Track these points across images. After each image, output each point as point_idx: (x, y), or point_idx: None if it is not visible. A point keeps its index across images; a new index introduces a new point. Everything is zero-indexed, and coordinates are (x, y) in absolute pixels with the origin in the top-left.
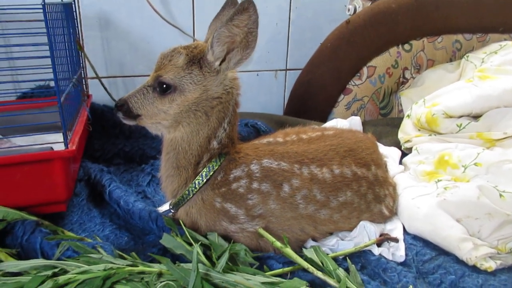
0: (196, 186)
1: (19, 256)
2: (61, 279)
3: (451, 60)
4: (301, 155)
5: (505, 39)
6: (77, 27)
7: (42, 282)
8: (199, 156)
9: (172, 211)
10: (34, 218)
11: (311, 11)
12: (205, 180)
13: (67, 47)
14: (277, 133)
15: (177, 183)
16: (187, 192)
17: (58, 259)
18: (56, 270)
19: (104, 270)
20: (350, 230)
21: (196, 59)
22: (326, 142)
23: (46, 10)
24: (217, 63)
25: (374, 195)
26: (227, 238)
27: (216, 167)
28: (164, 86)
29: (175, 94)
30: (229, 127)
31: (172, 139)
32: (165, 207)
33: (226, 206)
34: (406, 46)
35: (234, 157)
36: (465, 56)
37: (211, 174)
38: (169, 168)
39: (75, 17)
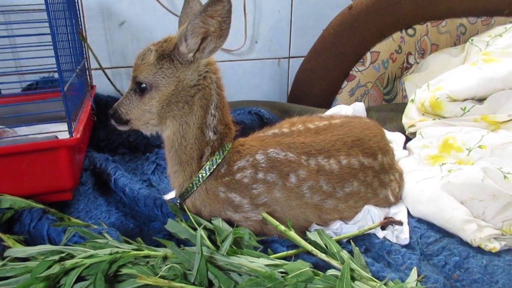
0: (200, 180)
1: (27, 243)
2: (68, 263)
3: (455, 44)
4: (308, 146)
5: (511, 22)
6: (80, 18)
7: (50, 267)
8: (199, 150)
9: (178, 201)
10: (41, 206)
11: None
12: (208, 174)
13: (69, 38)
14: (283, 122)
15: (182, 178)
16: (191, 185)
17: (65, 245)
18: (63, 255)
19: (110, 254)
20: None
21: (166, 53)
22: (333, 133)
23: (48, 1)
24: (191, 54)
25: (380, 182)
26: (231, 226)
27: (220, 160)
28: (142, 86)
29: (152, 91)
30: (219, 112)
31: (168, 137)
32: (170, 195)
33: (231, 196)
34: (410, 31)
35: (238, 149)
36: (469, 40)
37: (214, 167)
38: (173, 165)
39: (77, 8)
